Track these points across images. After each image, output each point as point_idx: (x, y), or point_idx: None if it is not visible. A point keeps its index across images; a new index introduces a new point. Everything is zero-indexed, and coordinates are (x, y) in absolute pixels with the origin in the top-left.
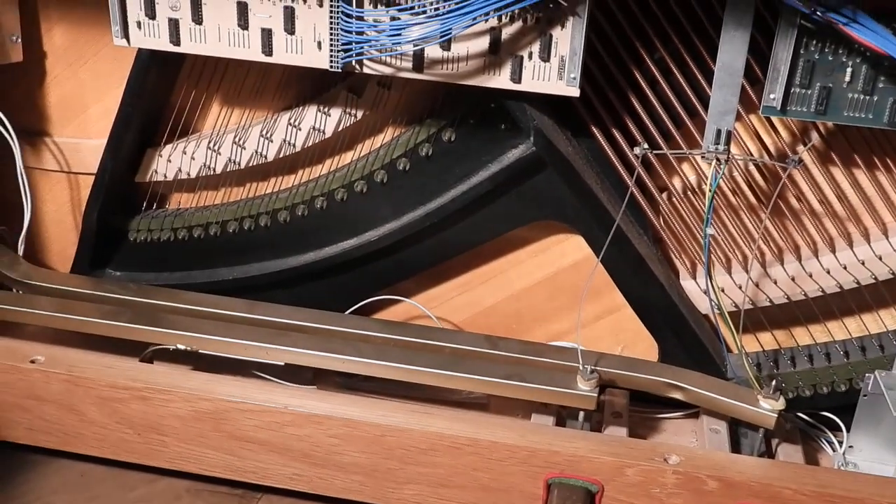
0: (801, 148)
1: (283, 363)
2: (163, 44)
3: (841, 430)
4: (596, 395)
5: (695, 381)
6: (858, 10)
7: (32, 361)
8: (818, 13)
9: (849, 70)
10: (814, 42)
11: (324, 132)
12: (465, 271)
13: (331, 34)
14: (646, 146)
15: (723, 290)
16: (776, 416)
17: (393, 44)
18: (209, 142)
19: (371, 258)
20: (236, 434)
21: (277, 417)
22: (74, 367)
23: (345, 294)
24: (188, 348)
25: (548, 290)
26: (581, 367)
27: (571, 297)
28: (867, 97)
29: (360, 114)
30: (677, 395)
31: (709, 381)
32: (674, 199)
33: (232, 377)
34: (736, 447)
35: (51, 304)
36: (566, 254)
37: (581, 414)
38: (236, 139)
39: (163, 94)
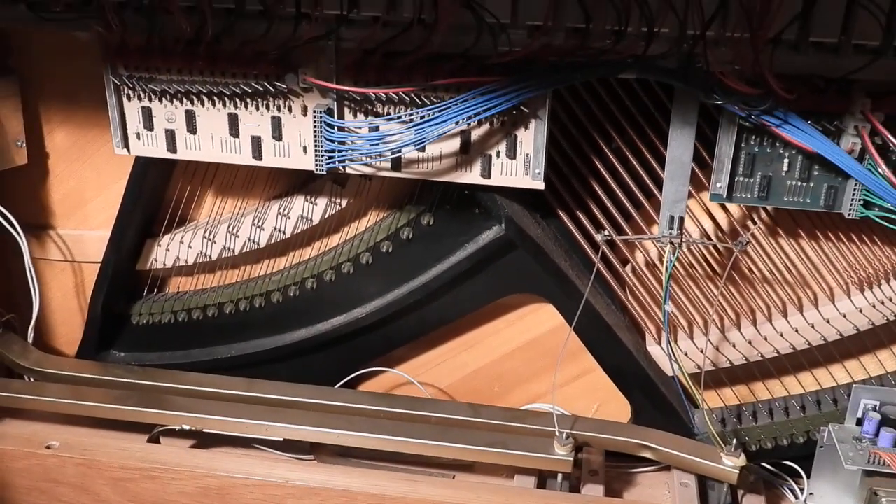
0: (747, 231)
1: (281, 439)
2: (160, 152)
3: (802, 478)
4: (571, 458)
5: (662, 441)
6: (790, 113)
7: (48, 447)
8: (753, 116)
9: (786, 161)
10: (753, 137)
11: (311, 219)
12: (450, 339)
13: (315, 141)
14: (607, 232)
15: (686, 354)
16: (738, 471)
17: (372, 151)
18: (205, 231)
19: (360, 333)
20: None
21: (279, 490)
22: (87, 451)
23: (336, 366)
24: (193, 428)
25: (527, 354)
26: (557, 433)
27: (548, 361)
28: (804, 183)
29: (344, 202)
30: (647, 455)
31: (675, 440)
32: (636, 272)
33: (235, 452)
34: (704, 499)
35: (62, 390)
36: (542, 321)
37: (559, 475)
38: (230, 228)
39: (160, 189)
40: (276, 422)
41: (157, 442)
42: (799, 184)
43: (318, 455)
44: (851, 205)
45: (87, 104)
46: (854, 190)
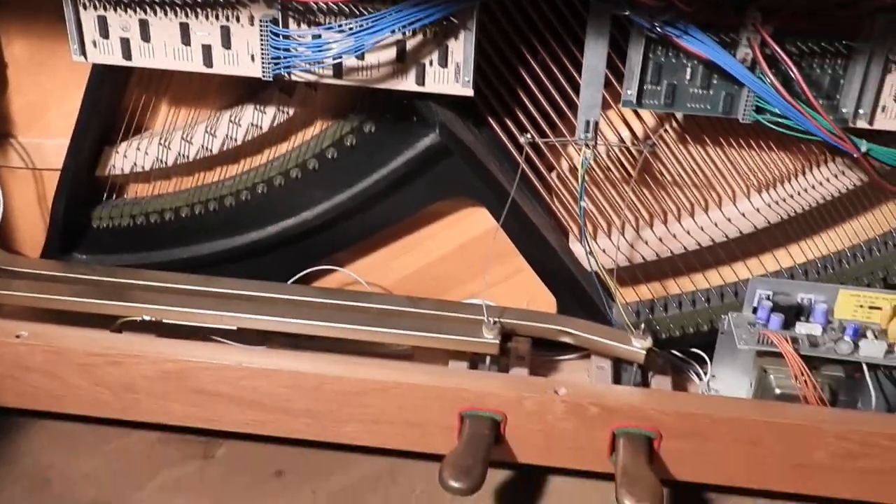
0: (656, 134)
1: (235, 328)
2: (116, 59)
3: (706, 363)
4: (497, 342)
5: (580, 327)
6: (690, 25)
7: (17, 336)
8: (658, 28)
9: (688, 70)
10: (659, 48)
11: (261, 127)
12: (392, 242)
13: (262, 49)
14: (530, 135)
15: (604, 251)
16: (644, 352)
17: (315, 58)
18: (160, 138)
19: (308, 234)
20: (198, 389)
21: (233, 373)
22: (55, 340)
23: (286, 266)
24: (153, 319)
25: (462, 255)
26: (486, 320)
27: (483, 262)
28: (705, 91)
29: (291, 111)
30: (567, 340)
31: (592, 326)
32: (560, 177)
33: (192, 341)
34: (618, 380)
35: (29, 286)
36: (476, 225)
37: (488, 358)
38: (184, 136)
39: (117, 98)
40: (230, 311)
41: (120, 332)
42: (700, 91)
43: (269, 343)
44: (745, 110)
45: (44, 16)
46: (747, 97)
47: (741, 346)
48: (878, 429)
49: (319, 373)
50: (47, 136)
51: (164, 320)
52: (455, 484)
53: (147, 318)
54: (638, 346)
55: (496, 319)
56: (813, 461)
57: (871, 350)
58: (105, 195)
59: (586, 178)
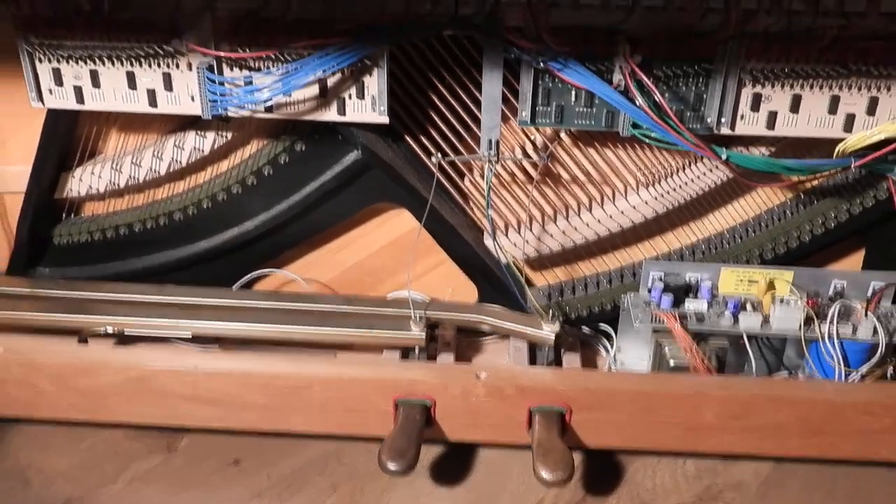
0: (554, 143)
1: (190, 334)
2: (70, 104)
3: (612, 337)
4: (424, 335)
5: (496, 315)
6: (570, 59)
7: None
8: (541, 62)
9: (573, 93)
10: (547, 76)
11: (202, 150)
12: (328, 241)
13: (200, 92)
14: (440, 155)
15: (515, 245)
16: (553, 336)
17: (248, 101)
18: (112, 163)
19: (250, 242)
20: (160, 391)
21: (190, 376)
22: (27, 353)
23: (233, 270)
24: (115, 330)
25: (392, 251)
26: (412, 315)
27: (411, 254)
28: (589, 109)
29: (230, 135)
30: (485, 328)
31: (507, 314)
32: (472, 182)
33: (152, 347)
34: (534, 359)
35: (1, 304)
36: (403, 223)
37: (417, 348)
38: (133, 160)
39: (71, 129)
40: (184, 319)
41: (86, 343)
42: (585, 109)
43: (222, 345)
44: (623, 126)
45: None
46: (625, 115)
47: (637, 325)
48: (756, 391)
49: (267, 371)
50: (7, 163)
51: (125, 331)
52: (392, 466)
53: (109, 329)
54: (548, 331)
55: (422, 314)
56: (703, 423)
57: (750, 322)
58: (64, 214)
59: (492, 182)
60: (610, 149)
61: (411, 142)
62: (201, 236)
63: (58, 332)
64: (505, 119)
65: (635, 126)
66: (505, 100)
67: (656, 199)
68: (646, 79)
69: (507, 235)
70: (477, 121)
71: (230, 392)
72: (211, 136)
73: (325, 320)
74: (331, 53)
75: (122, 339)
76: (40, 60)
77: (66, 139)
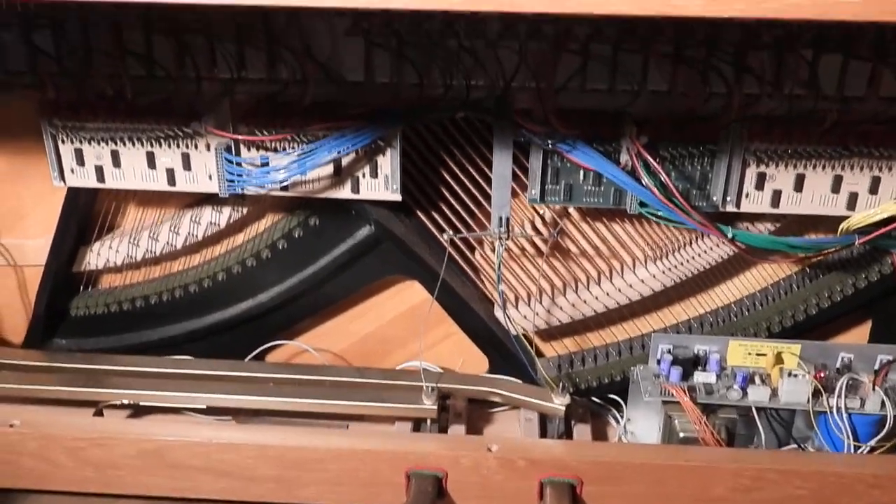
0: (563, 219)
1: (204, 406)
2: (91, 182)
3: (623, 407)
4: (436, 407)
5: (507, 388)
6: (578, 141)
7: (11, 426)
8: (550, 144)
9: (581, 172)
10: (556, 156)
11: (218, 224)
12: (342, 311)
13: (218, 172)
14: (451, 232)
15: (525, 318)
16: (564, 408)
17: (265, 181)
18: (129, 237)
19: (264, 313)
20: (174, 464)
21: (204, 448)
22: (43, 427)
23: (247, 341)
24: (130, 402)
25: (405, 321)
26: (424, 387)
27: (422, 325)
28: (597, 188)
29: (245, 209)
30: (496, 399)
31: (517, 386)
32: (483, 256)
33: (167, 418)
34: (545, 430)
35: (17, 377)
36: (415, 294)
37: (428, 420)
38: (151, 234)
39: (90, 205)
40: (198, 392)
41: (102, 415)
42: (593, 188)
43: (235, 417)
44: (631, 204)
45: (22, 136)
46: (632, 194)
47: (647, 399)
48: (767, 465)
49: (281, 444)
50: (27, 237)
51: (141, 402)
52: None
53: (125, 401)
54: (558, 403)
55: (433, 386)
56: (714, 495)
57: (758, 395)
58: (82, 287)
59: (503, 256)
60: (618, 223)
61: (423, 217)
62: (216, 308)
63: (74, 404)
64: (515, 193)
65: (642, 204)
66: (514, 175)
67: (664, 272)
68: (652, 160)
69: (517, 308)
70: (487, 196)
71: (243, 464)
72: (227, 210)
73: (337, 392)
74: (346, 135)
75: (137, 411)
76: (63, 141)
77: (86, 214)
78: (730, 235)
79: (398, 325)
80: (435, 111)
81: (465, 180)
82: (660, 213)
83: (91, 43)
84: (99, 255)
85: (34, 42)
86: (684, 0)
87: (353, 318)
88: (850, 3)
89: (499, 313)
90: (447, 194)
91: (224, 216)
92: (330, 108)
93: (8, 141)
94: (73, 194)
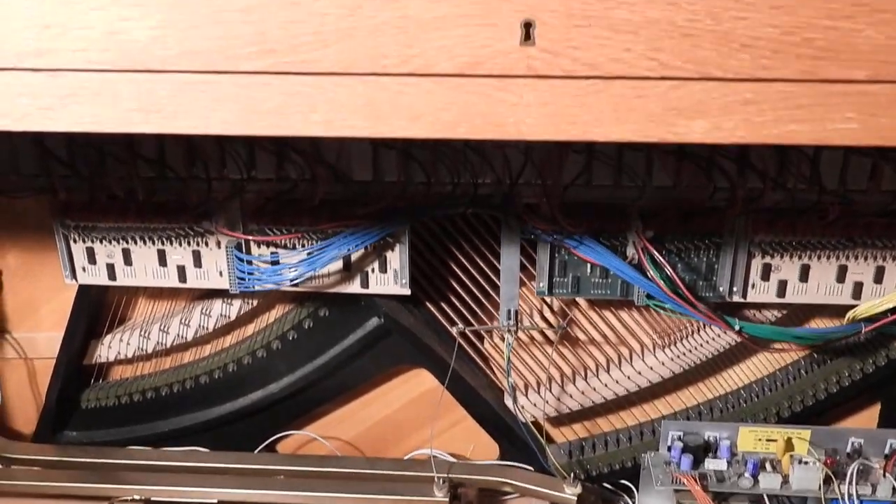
0: (572, 309)
1: (216, 501)
2: (102, 280)
3: (634, 493)
4: (447, 499)
5: (517, 477)
6: (585, 236)
7: None
8: (556, 239)
9: (588, 265)
10: (563, 250)
11: (229, 317)
12: (352, 399)
13: (228, 269)
14: (461, 325)
15: (535, 405)
16: (575, 498)
17: (275, 279)
18: (140, 330)
19: (274, 404)
20: None
21: None
22: None
23: (257, 432)
24: (142, 498)
25: (415, 407)
26: (435, 479)
27: (433, 412)
28: (604, 280)
29: (255, 301)
30: (507, 489)
31: (528, 475)
32: (493, 345)
33: None
34: None
35: (28, 473)
36: (425, 381)
37: None
38: (161, 327)
39: (101, 299)
40: (208, 487)
41: None
42: (601, 280)
43: None
44: (638, 296)
45: (33, 232)
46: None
47: (658, 487)
48: None
49: None
50: (38, 330)
51: (152, 498)
52: None
53: (137, 497)
54: (569, 493)
55: (444, 477)
56: None
57: (769, 482)
58: (92, 379)
59: (513, 345)
60: (626, 311)
61: (432, 308)
62: (226, 399)
63: (85, 499)
64: (523, 283)
65: (649, 297)
66: (522, 265)
67: (672, 359)
68: (657, 254)
69: (526, 395)
70: (495, 286)
71: None
72: (237, 303)
73: (347, 485)
74: (355, 233)
75: None
76: (74, 241)
77: (97, 308)
78: (737, 328)
79: (409, 411)
80: (443, 208)
81: (474, 272)
82: (666, 306)
83: (103, 147)
84: (110, 347)
85: (46, 146)
86: (686, 128)
87: (363, 405)
88: (848, 129)
89: (509, 402)
90: (456, 286)
91: (234, 308)
92: (339, 206)
93: (21, 237)
94: (85, 289)
